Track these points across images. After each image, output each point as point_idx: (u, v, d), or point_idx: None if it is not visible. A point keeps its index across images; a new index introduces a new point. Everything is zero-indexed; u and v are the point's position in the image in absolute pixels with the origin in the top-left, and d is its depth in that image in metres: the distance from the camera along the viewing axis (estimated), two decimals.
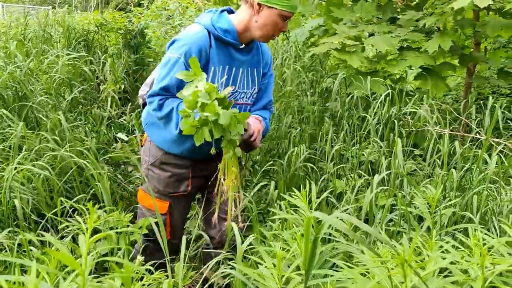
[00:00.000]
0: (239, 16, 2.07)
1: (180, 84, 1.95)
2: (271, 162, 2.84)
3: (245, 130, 1.98)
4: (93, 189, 2.55)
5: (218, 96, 1.69)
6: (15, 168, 2.26)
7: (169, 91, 2.00)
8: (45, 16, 5.07)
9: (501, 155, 2.32)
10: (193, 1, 7.37)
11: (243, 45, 2.11)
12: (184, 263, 1.64)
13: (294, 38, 4.32)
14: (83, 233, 1.00)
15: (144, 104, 2.36)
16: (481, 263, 1.20)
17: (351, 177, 2.57)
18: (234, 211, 1.93)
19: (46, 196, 2.29)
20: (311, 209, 1.71)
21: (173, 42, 2.06)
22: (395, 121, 2.43)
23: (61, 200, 1.95)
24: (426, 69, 3.51)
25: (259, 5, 1.96)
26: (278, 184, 2.48)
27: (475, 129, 2.66)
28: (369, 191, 1.79)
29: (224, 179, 1.90)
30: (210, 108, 1.65)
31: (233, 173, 1.90)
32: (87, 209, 1.04)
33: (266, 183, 2.61)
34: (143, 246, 2.32)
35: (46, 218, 2.13)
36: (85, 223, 1.03)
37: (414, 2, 4.05)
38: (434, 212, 1.77)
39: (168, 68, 1.99)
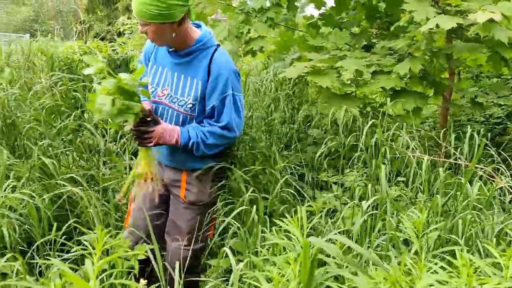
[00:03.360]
0: None
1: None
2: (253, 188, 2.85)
3: (147, 122, 2.12)
4: (81, 217, 2.55)
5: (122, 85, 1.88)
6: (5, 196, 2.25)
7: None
8: (28, 44, 5.08)
9: (480, 181, 2.40)
10: None
11: (172, 48, 2.24)
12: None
13: (275, 71, 4.38)
14: (91, 256, 1.02)
15: None
16: (468, 283, 1.26)
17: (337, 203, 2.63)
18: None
19: (35, 224, 2.26)
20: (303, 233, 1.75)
21: None
22: (378, 147, 2.50)
23: (55, 227, 1.95)
24: (399, 92, 3.58)
25: None
26: (259, 209, 2.49)
27: (455, 154, 2.75)
28: (359, 215, 1.85)
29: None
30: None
31: (144, 166, 2.12)
32: (95, 233, 1.07)
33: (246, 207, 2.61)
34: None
35: (36, 244, 2.10)
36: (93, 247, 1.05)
37: (390, 31, 4.20)
38: (422, 236, 1.83)
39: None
